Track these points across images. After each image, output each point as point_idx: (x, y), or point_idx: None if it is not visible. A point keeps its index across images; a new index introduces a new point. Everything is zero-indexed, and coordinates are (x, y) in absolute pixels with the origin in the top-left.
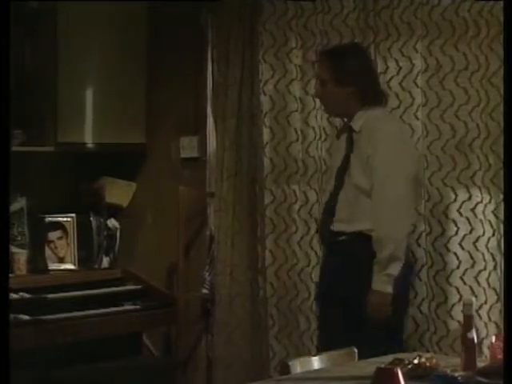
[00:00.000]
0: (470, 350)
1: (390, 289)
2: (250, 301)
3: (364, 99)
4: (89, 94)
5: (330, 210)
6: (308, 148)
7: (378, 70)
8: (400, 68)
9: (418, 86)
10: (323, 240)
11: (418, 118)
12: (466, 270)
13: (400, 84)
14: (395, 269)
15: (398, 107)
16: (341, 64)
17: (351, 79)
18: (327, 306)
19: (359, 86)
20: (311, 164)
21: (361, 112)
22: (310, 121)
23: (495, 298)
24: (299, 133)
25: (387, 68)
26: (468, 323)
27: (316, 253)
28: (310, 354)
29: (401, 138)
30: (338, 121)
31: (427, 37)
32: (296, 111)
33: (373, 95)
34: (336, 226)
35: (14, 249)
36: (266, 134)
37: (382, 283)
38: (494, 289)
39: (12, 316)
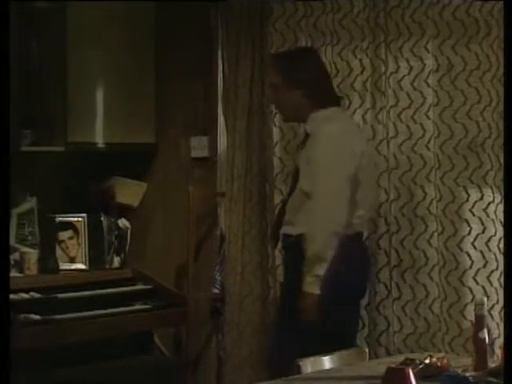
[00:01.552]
0: (482, 350)
1: (317, 290)
2: (261, 300)
3: (316, 102)
4: (98, 94)
5: (280, 214)
6: None
7: (389, 70)
8: (411, 68)
9: (429, 86)
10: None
11: (429, 118)
12: (479, 269)
13: (411, 84)
14: (320, 269)
15: (409, 107)
16: (289, 67)
17: (301, 82)
18: (287, 307)
19: (310, 88)
20: None
21: (313, 115)
22: None
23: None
24: None
25: (398, 67)
26: (480, 323)
27: None
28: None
29: (339, 137)
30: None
31: (438, 36)
32: None
33: (325, 97)
34: (284, 229)
35: (24, 249)
36: (276, 134)
37: (310, 284)
38: None
39: (22, 316)
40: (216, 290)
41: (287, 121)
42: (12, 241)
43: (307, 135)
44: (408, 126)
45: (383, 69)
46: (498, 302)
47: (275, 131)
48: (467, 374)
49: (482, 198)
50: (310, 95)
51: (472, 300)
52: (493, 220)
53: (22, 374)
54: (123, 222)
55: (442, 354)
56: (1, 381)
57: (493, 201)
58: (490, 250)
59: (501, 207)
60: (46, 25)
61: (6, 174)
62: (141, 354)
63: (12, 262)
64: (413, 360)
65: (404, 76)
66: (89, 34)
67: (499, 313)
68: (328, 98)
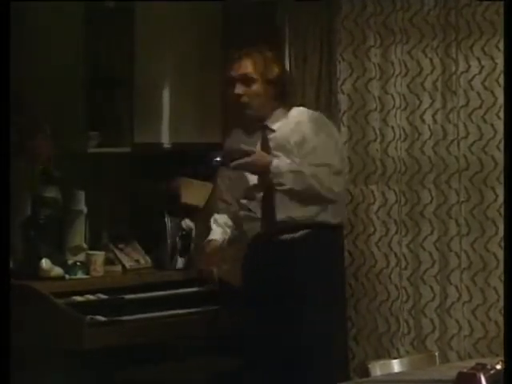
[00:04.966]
0: None
1: None
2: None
3: (282, 100)
4: (165, 94)
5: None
6: (387, 148)
7: (460, 69)
8: (482, 67)
9: (500, 86)
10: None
11: (500, 118)
12: None
13: (482, 83)
14: None
15: (480, 107)
16: (270, 63)
17: (278, 78)
18: None
19: (282, 86)
20: (390, 164)
21: (278, 112)
22: (389, 120)
23: None
24: (378, 132)
25: (469, 67)
26: None
27: (395, 254)
28: (389, 356)
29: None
30: None
31: None
32: (375, 110)
33: (289, 96)
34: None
35: (90, 251)
36: (344, 133)
37: None
38: None
39: (88, 317)
40: None
41: (252, 115)
42: (81, 241)
43: (266, 130)
44: (479, 127)
45: (454, 68)
46: None
47: (343, 130)
48: None
49: None
50: (280, 92)
51: None
52: None
53: (88, 375)
54: (187, 223)
55: None
56: (1, 380)
57: None
58: None
59: None
60: (114, 25)
61: (6, 173)
62: (205, 356)
63: (78, 263)
64: (484, 365)
65: (475, 75)
66: (156, 34)
67: None
68: (290, 96)
